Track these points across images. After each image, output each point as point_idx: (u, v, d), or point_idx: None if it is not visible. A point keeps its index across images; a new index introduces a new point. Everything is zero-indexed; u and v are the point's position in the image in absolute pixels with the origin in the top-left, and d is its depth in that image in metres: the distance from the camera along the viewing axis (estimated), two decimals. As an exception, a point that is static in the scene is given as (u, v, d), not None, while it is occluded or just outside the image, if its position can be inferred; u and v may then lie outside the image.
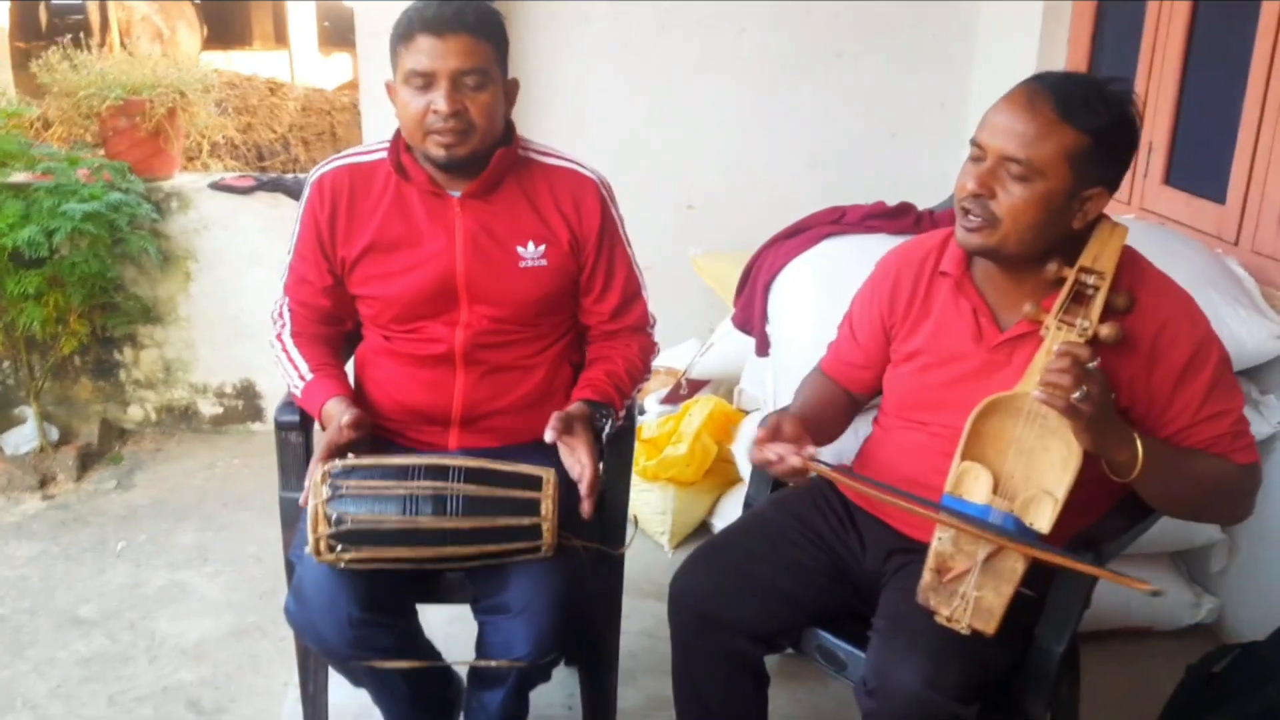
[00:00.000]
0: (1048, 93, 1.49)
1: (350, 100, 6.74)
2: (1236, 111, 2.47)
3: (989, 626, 1.46)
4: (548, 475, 1.66)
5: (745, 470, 2.69)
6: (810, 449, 1.54)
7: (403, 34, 1.71)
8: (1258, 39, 2.42)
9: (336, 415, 1.75)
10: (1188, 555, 2.48)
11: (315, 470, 1.63)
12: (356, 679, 1.76)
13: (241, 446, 3.55)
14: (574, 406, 1.78)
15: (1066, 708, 1.74)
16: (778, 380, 2.30)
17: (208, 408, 3.63)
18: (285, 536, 1.89)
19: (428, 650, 1.80)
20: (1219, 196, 2.56)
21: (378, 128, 3.27)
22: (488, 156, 1.78)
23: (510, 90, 1.80)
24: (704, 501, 2.84)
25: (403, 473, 1.64)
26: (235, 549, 2.92)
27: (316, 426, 1.87)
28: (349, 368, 1.96)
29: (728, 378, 2.99)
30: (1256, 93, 2.43)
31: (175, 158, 3.48)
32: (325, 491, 1.59)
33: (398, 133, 1.82)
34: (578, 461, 1.71)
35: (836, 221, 2.35)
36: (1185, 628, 2.47)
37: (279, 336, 1.91)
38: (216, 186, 3.46)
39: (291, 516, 1.88)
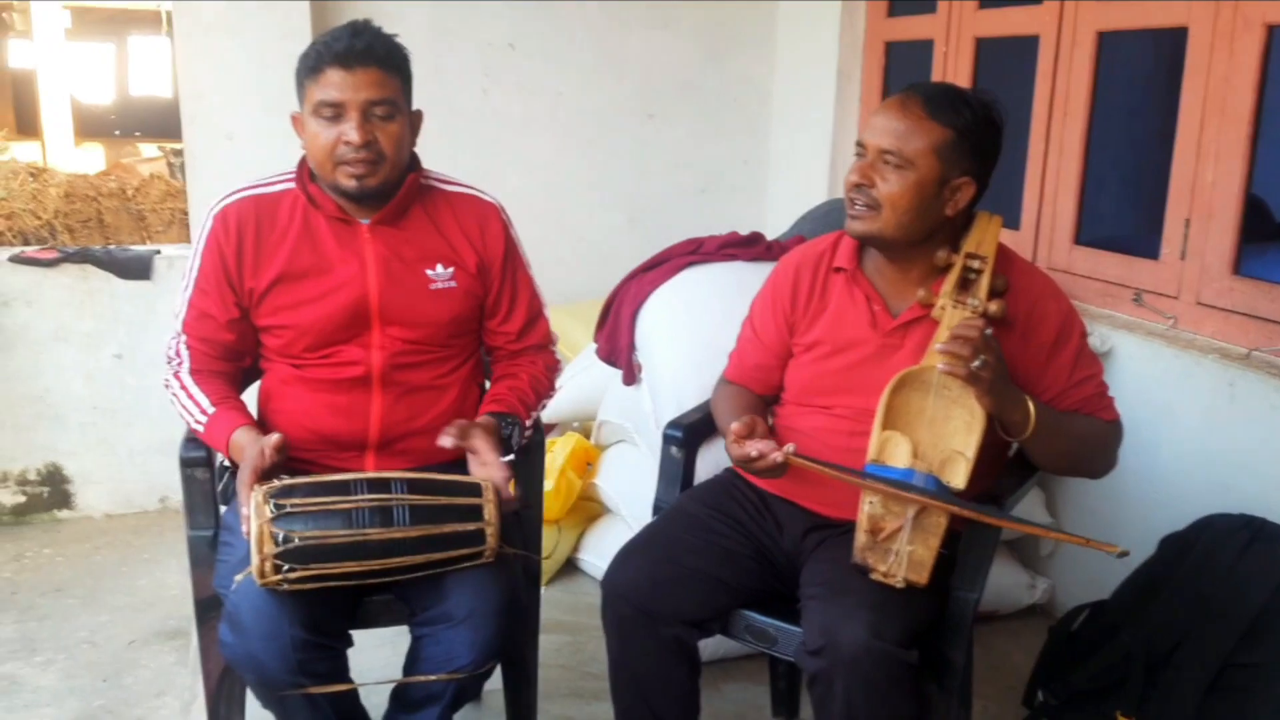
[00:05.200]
0: (918, 97, 1.73)
1: (118, 186, 6.42)
2: (1024, 145, 2.85)
3: (922, 577, 1.60)
4: (485, 482, 1.69)
5: (614, 503, 2.76)
6: (790, 446, 1.66)
7: (311, 67, 1.73)
8: (1037, 81, 2.81)
9: (249, 442, 1.71)
10: (1019, 543, 2.75)
11: (253, 493, 1.58)
12: (287, 714, 1.69)
13: (49, 536, 3.27)
14: (480, 419, 1.82)
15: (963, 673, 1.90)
16: (657, 399, 2.41)
17: (7, 497, 3.32)
18: (196, 576, 1.82)
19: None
20: (1013, 223, 2.91)
21: (205, 185, 3.19)
22: (396, 185, 1.82)
23: (415, 121, 1.84)
24: (570, 538, 2.88)
25: (343, 488, 1.62)
26: (64, 637, 2.70)
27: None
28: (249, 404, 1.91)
29: (579, 417, 3.06)
30: (1040, 126, 2.82)
31: (-32, 230, 3.24)
32: (269, 510, 1.55)
33: (302, 163, 1.84)
34: (482, 463, 1.73)
35: (695, 252, 2.51)
36: (1024, 608, 2.73)
37: (176, 375, 1.85)
38: (18, 260, 3.24)
39: (201, 555, 1.82)
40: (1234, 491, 2.24)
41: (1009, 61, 2.99)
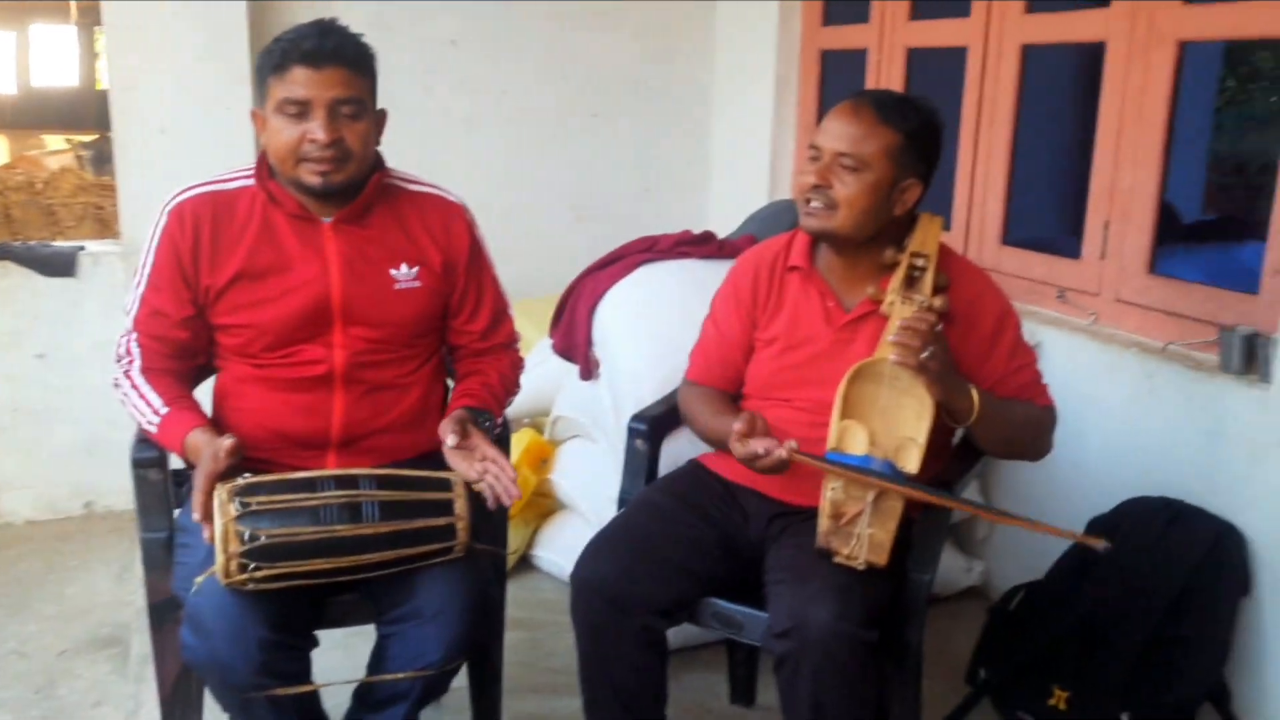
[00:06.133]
0: (869, 103, 1.81)
1: (25, 179, 6.20)
2: (953, 150, 2.96)
3: (882, 558, 1.67)
4: (454, 477, 1.70)
5: (570, 498, 2.78)
6: (792, 442, 1.70)
7: (277, 64, 1.71)
8: (965, 90, 2.91)
9: (205, 443, 1.68)
10: (956, 527, 2.86)
11: (213, 493, 1.56)
12: (250, 718, 1.67)
13: (-33, 545, 3.17)
14: (458, 412, 1.81)
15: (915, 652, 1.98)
16: (617, 394, 2.44)
17: (-81, 505, 3.21)
18: (150, 580, 1.79)
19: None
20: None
21: (136, 178, 3.13)
22: (361, 183, 1.81)
23: (380, 120, 1.84)
24: (524, 534, 2.89)
25: (309, 485, 1.61)
26: (-8, 649, 2.62)
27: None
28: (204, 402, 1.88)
29: (532, 413, 3.07)
30: (969, 133, 2.93)
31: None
32: (234, 509, 1.54)
33: (261, 159, 1.81)
34: (483, 456, 1.73)
35: (649, 249, 2.55)
36: (961, 590, 2.84)
37: (126, 374, 1.81)
38: (-74, 258, 3.12)
39: (156, 558, 1.79)
40: (1154, 476, 2.36)
41: (938, 71, 3.09)
